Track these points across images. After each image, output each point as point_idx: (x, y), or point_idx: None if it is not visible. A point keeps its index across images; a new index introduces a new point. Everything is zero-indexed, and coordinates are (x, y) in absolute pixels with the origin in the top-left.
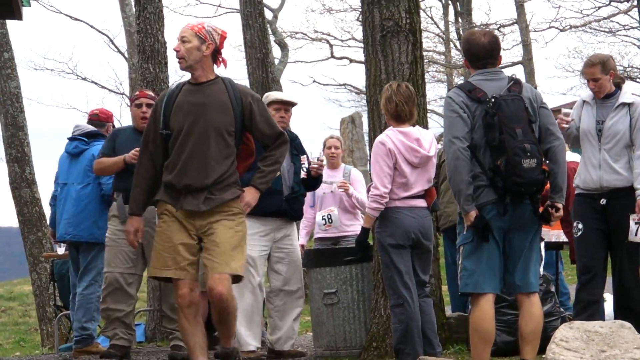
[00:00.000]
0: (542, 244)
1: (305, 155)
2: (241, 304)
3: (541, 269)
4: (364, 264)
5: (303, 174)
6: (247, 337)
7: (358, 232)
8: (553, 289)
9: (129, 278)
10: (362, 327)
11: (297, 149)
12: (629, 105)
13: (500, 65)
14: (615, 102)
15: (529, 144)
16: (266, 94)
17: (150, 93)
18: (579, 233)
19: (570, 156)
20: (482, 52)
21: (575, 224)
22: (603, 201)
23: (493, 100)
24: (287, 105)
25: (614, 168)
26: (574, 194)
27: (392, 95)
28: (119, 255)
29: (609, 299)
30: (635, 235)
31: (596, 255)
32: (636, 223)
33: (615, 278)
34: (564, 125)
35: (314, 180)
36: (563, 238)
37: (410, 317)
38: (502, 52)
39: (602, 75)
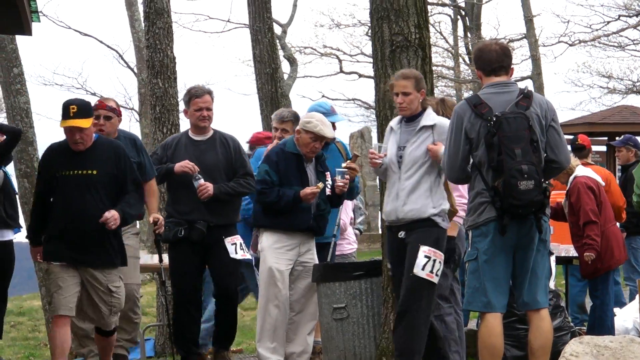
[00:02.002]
0: (552, 258)
1: (329, 172)
2: (267, 317)
3: (552, 284)
4: (373, 279)
5: (328, 191)
6: (267, 350)
7: (345, 252)
8: (563, 303)
9: None
10: (372, 342)
11: (322, 165)
12: (431, 127)
13: (512, 77)
14: (418, 125)
15: (526, 165)
16: (309, 119)
17: (112, 104)
18: (390, 273)
19: (583, 171)
20: (494, 57)
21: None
22: (401, 234)
23: (494, 119)
24: (322, 140)
25: (411, 198)
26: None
27: (438, 108)
28: None
29: (618, 314)
30: (422, 269)
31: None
32: (426, 256)
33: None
34: (376, 161)
35: (338, 198)
36: (573, 252)
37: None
38: (512, 65)
39: (413, 91)
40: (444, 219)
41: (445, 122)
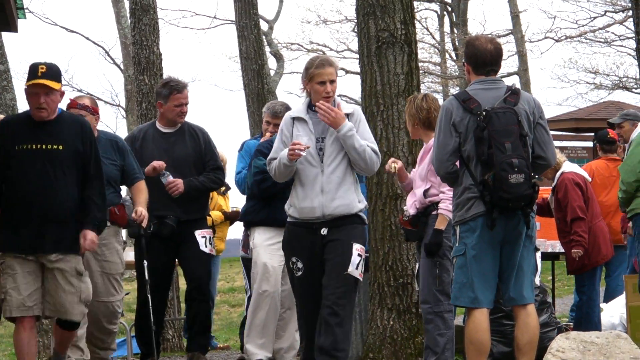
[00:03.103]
0: (538, 254)
1: None
2: (258, 313)
3: (537, 279)
4: None
5: None
6: (256, 347)
7: None
8: (549, 299)
9: None
10: (359, 338)
11: None
12: (347, 115)
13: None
14: None
15: (517, 159)
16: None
17: (84, 102)
18: (298, 274)
19: (570, 167)
20: (488, 57)
21: None
22: (324, 231)
23: (484, 113)
24: None
25: (339, 193)
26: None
27: (422, 103)
28: None
29: (605, 309)
30: (356, 268)
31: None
32: (359, 255)
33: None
34: (301, 153)
35: None
36: (559, 248)
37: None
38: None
39: (336, 79)
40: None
41: (358, 109)
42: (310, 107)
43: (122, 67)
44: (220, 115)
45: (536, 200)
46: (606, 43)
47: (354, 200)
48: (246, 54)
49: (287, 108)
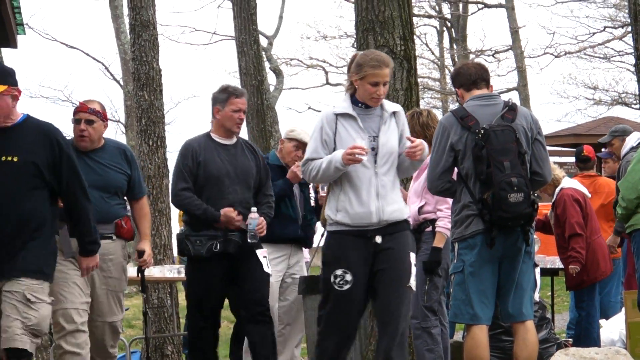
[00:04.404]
0: (538, 270)
1: (312, 184)
2: None
3: (536, 295)
4: None
5: (312, 202)
6: None
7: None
8: (549, 315)
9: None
10: (358, 354)
11: None
12: (394, 114)
13: (496, 89)
14: (383, 111)
15: (516, 178)
16: (293, 127)
17: (94, 106)
18: (345, 288)
19: (569, 183)
20: (472, 71)
21: None
22: (378, 239)
23: (482, 131)
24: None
25: (392, 197)
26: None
27: (429, 121)
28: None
29: (604, 325)
30: (414, 280)
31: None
32: (414, 265)
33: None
34: (362, 157)
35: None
36: (558, 264)
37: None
38: (497, 79)
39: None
40: None
41: (399, 106)
42: (356, 102)
43: (121, 82)
44: None
45: (538, 217)
46: (605, 59)
47: (404, 205)
48: (246, 69)
49: None
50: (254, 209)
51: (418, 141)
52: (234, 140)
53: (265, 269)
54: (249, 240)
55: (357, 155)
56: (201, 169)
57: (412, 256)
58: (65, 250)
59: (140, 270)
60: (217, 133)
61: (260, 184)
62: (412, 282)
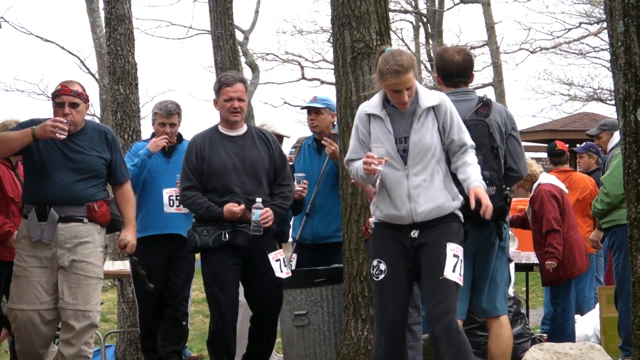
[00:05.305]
0: (512, 265)
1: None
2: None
3: (511, 291)
4: (334, 286)
5: None
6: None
7: None
8: (523, 310)
9: (46, 315)
10: (333, 348)
11: None
12: (433, 108)
13: (472, 84)
14: (417, 107)
15: (488, 172)
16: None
17: (77, 88)
18: (379, 277)
19: (546, 178)
20: (455, 69)
21: None
22: (414, 233)
23: None
24: (281, 138)
25: (428, 196)
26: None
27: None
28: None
29: (579, 320)
30: (453, 271)
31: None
32: (454, 255)
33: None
34: (376, 168)
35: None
36: (533, 259)
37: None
38: (474, 71)
39: (413, 83)
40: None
41: (444, 97)
42: (387, 101)
43: (97, 76)
44: (195, 125)
45: (517, 213)
46: (581, 55)
47: (446, 200)
48: (221, 64)
49: (178, 105)
50: (258, 199)
51: (484, 206)
52: (243, 130)
53: (278, 273)
54: (252, 232)
55: (372, 166)
56: (206, 164)
57: (451, 246)
58: (33, 234)
59: (132, 260)
60: (222, 125)
61: (275, 174)
62: (449, 274)
